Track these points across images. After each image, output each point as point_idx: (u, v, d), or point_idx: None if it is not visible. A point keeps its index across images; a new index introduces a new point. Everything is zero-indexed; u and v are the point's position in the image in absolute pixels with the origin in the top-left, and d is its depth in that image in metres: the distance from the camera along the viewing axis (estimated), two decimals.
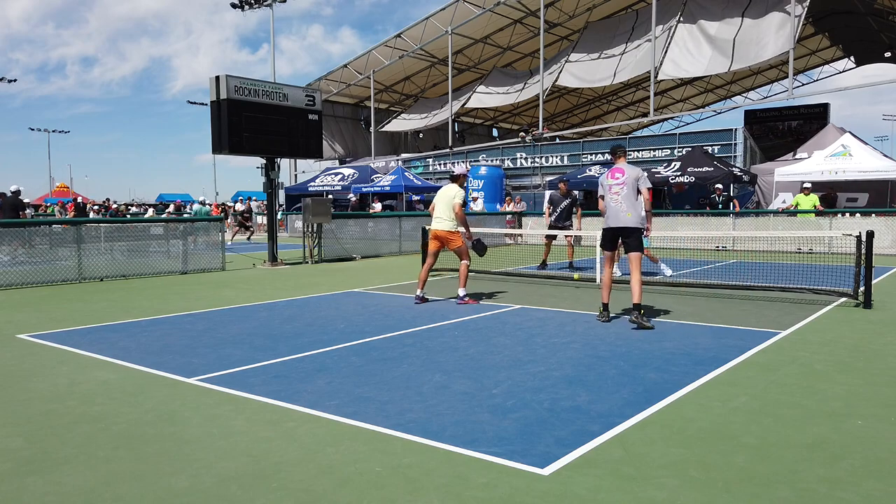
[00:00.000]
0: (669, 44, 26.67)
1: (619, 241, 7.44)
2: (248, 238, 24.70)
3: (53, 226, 14.85)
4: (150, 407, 4.39)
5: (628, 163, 7.64)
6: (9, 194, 16.26)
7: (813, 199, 17.31)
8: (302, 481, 3.20)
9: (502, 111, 41.77)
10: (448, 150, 33.58)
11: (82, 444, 3.73)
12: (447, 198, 8.87)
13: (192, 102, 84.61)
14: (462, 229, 8.84)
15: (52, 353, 6.05)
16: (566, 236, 13.47)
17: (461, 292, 8.89)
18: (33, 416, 4.23)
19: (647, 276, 9.45)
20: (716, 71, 26.91)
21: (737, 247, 17.66)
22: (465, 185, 9.55)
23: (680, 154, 25.59)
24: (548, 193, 13.19)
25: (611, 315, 7.50)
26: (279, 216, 21.36)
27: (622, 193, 7.28)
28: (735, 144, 25.98)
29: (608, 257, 7.56)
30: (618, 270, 9.51)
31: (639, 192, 7.27)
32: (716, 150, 25.53)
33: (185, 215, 27.68)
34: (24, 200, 23.63)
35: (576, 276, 11.21)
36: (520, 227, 22.05)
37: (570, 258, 13.29)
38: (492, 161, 31.22)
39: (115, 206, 37.82)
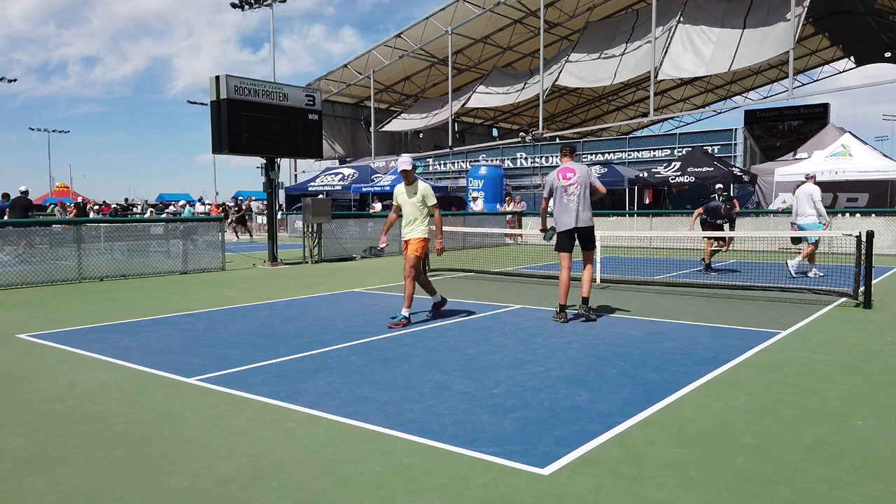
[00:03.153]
0: (669, 44, 26.67)
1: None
2: (249, 238, 24.64)
3: (53, 226, 14.85)
4: (150, 407, 4.39)
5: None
6: (18, 194, 16.27)
7: None
8: (302, 481, 3.20)
9: (502, 111, 41.77)
10: (448, 150, 33.58)
11: (82, 444, 3.72)
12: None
13: (192, 102, 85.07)
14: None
15: (52, 353, 6.05)
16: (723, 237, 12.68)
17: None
18: (33, 416, 4.23)
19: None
20: (716, 71, 26.93)
21: (737, 247, 17.64)
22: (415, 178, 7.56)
23: (680, 154, 25.62)
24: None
25: (569, 317, 7.37)
26: (279, 216, 21.33)
27: (577, 193, 7.28)
28: (735, 144, 26.02)
29: (567, 258, 7.35)
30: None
31: (591, 189, 7.34)
32: (716, 150, 25.55)
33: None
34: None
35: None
36: (520, 227, 22.02)
37: (708, 259, 12.65)
38: (492, 161, 31.21)
39: (114, 205, 37.72)
